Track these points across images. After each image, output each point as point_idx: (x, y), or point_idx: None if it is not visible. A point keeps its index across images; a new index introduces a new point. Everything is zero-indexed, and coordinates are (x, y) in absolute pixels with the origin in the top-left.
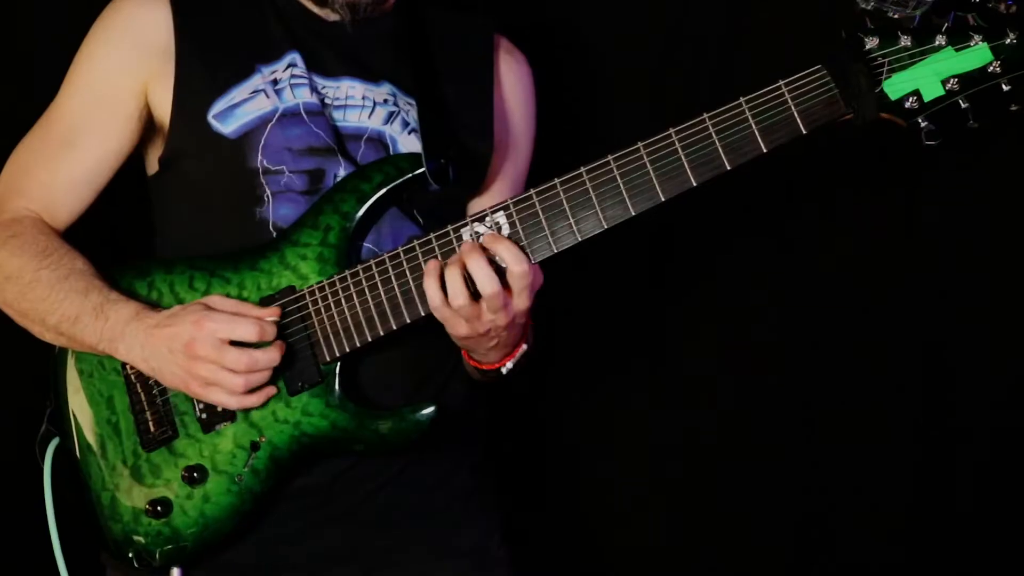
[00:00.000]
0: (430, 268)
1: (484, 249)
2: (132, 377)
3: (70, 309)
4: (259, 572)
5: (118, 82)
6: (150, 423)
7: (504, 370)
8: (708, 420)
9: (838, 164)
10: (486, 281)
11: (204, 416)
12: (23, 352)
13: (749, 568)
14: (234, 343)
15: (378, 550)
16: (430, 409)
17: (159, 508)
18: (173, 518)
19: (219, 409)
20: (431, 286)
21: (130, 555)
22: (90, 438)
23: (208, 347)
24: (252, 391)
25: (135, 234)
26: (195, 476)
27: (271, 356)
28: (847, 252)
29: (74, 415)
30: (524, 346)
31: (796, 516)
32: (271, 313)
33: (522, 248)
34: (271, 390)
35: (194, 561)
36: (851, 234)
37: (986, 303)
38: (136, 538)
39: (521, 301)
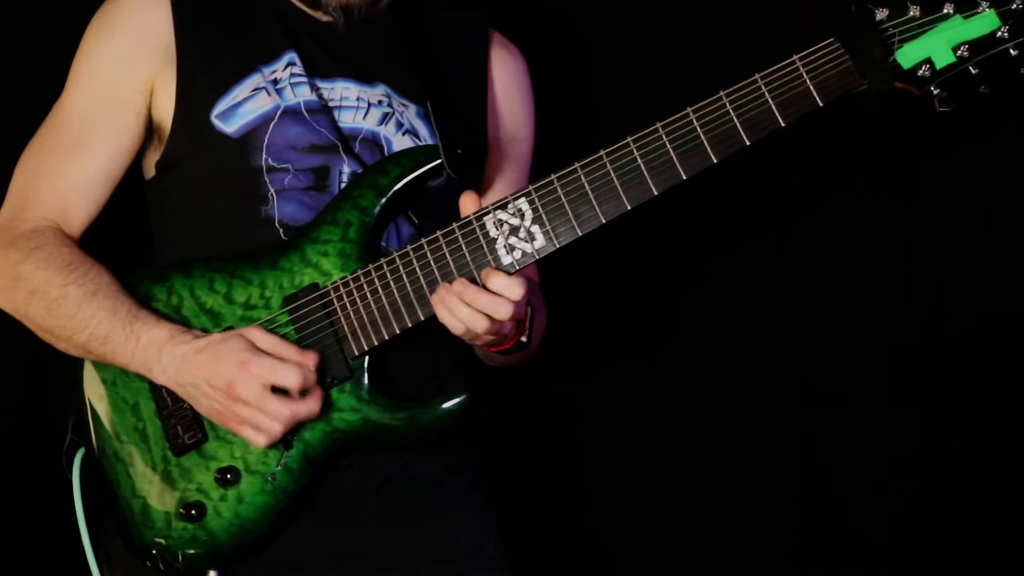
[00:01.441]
0: (437, 302)
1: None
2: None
3: (99, 329)
4: (260, 572)
5: (124, 78)
6: (179, 428)
7: (524, 338)
8: (709, 419)
9: (837, 161)
10: (501, 309)
11: None
12: (43, 362)
13: (750, 568)
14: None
15: (377, 550)
16: (462, 397)
17: (193, 512)
18: (207, 521)
19: None
20: (450, 320)
21: (163, 559)
22: (117, 446)
23: (251, 392)
24: None
25: (129, 240)
26: (228, 478)
27: (311, 408)
28: (848, 249)
29: (99, 424)
30: (528, 308)
31: (798, 516)
32: (311, 359)
33: (552, 244)
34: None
35: (231, 562)
36: (851, 232)
37: (987, 301)
38: (170, 543)
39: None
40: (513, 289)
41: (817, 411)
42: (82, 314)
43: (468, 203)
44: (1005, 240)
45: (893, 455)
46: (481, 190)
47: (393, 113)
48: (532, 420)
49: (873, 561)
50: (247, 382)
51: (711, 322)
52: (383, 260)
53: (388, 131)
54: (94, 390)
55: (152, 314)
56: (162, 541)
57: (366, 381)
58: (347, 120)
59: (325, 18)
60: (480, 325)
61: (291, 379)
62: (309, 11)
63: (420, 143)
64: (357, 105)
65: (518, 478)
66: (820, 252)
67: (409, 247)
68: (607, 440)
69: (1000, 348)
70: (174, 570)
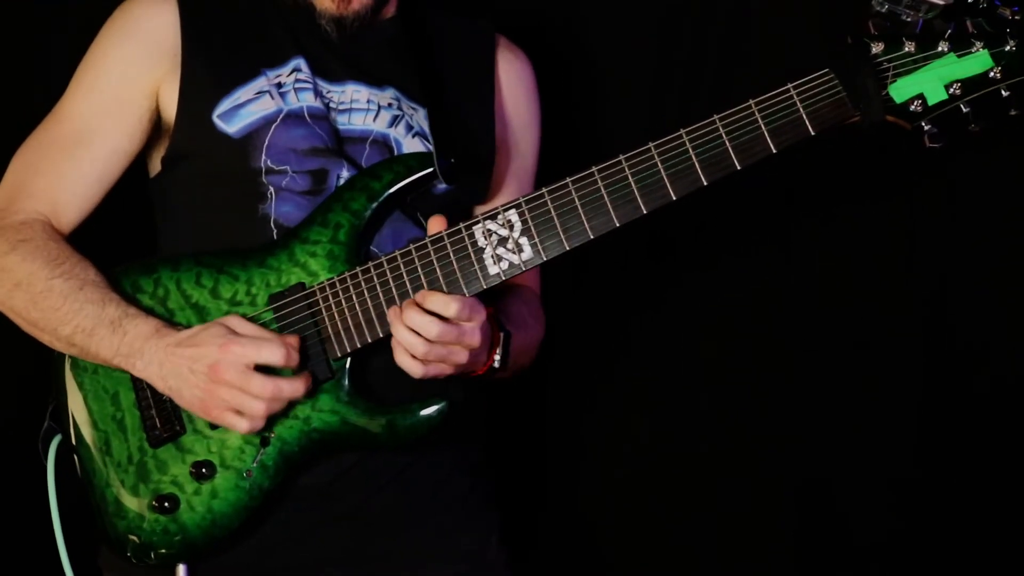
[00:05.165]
0: (395, 348)
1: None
2: None
3: (85, 321)
4: (259, 574)
5: (131, 83)
6: (157, 419)
7: (496, 363)
8: (709, 420)
9: (839, 168)
10: (428, 326)
11: None
12: (25, 348)
13: (751, 569)
14: (258, 368)
15: (377, 552)
16: (441, 404)
17: (166, 504)
18: (180, 514)
19: None
20: (406, 363)
21: (134, 551)
22: (94, 434)
23: (233, 372)
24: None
25: (132, 237)
26: (203, 472)
27: (295, 386)
28: (848, 254)
29: (77, 412)
30: (500, 334)
31: (798, 516)
32: (293, 339)
33: (539, 257)
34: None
35: (201, 557)
36: (852, 236)
37: (988, 302)
38: (141, 534)
39: (477, 322)
40: (448, 307)
41: (819, 414)
42: (68, 307)
43: (433, 225)
44: (1007, 247)
45: (894, 457)
46: (487, 195)
47: (403, 116)
48: (532, 422)
49: (873, 564)
50: (229, 363)
51: (711, 325)
52: (371, 264)
53: (398, 133)
54: (75, 378)
55: (140, 310)
56: (134, 532)
57: (347, 383)
58: (357, 122)
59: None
60: (417, 348)
61: (274, 354)
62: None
63: (430, 145)
64: (367, 107)
65: (518, 481)
66: (821, 259)
67: (397, 252)
68: (607, 443)
69: (1001, 349)
70: (144, 562)
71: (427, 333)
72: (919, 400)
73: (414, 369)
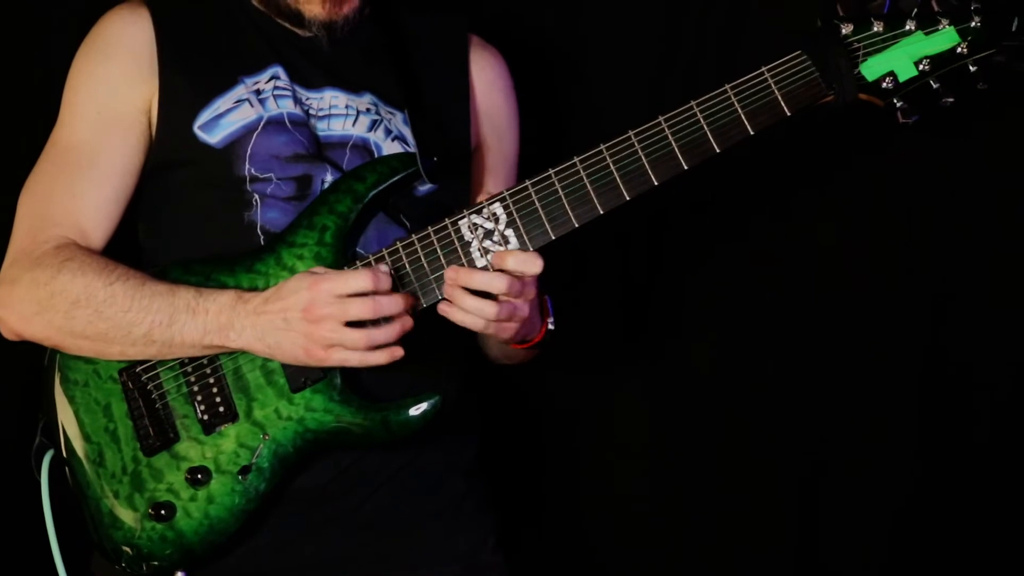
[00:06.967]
0: (445, 309)
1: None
2: (129, 384)
3: (159, 314)
4: None
5: (124, 100)
6: (150, 428)
7: (551, 326)
8: (708, 422)
9: (834, 158)
10: (496, 283)
11: (206, 418)
12: (22, 356)
13: (751, 569)
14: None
15: (372, 554)
16: (434, 399)
17: (162, 512)
18: (177, 521)
19: (221, 409)
20: (467, 319)
21: (128, 562)
22: (87, 447)
23: (328, 305)
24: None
25: (115, 247)
26: (199, 478)
27: (395, 301)
28: (847, 249)
29: (68, 426)
30: (546, 297)
31: (798, 519)
32: (382, 267)
33: (525, 248)
34: (397, 351)
35: (199, 563)
36: (851, 229)
37: (987, 300)
38: (139, 544)
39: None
40: (530, 264)
41: (819, 411)
42: (137, 305)
43: None
44: (1007, 239)
45: (895, 456)
46: (470, 191)
47: (382, 120)
48: (529, 423)
49: (874, 565)
50: (322, 298)
51: (709, 326)
52: (358, 263)
53: (378, 137)
54: (65, 392)
55: (212, 287)
56: (131, 541)
57: (339, 382)
58: (337, 128)
59: (307, 34)
60: (491, 309)
61: (361, 279)
62: (292, 28)
63: (409, 148)
64: (346, 113)
65: (515, 482)
66: (819, 251)
67: (384, 250)
68: (604, 444)
69: (1001, 347)
70: (142, 571)
71: (496, 290)
72: (919, 398)
73: (477, 324)
